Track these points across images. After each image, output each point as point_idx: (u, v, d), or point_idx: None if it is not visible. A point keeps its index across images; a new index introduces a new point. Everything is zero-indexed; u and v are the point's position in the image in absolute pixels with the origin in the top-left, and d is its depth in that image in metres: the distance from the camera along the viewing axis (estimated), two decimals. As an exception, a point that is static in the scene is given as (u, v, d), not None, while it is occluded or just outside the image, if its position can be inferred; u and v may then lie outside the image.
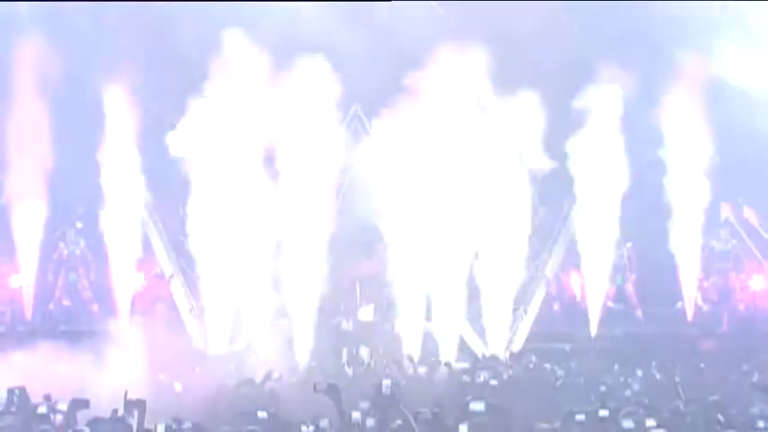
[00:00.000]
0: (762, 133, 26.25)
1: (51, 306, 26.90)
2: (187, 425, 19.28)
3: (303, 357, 24.89)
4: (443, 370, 24.58)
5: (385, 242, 26.00)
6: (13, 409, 20.15)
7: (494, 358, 24.85)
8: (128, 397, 19.49)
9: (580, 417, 16.81)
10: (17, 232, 26.47)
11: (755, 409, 18.50)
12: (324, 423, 18.43)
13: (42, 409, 19.97)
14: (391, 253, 25.78)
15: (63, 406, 20.26)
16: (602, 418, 17.03)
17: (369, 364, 24.56)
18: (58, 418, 19.94)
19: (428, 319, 25.68)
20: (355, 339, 25.58)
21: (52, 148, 26.46)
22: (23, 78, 26.86)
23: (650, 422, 16.10)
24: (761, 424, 17.04)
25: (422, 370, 24.53)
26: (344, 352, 24.98)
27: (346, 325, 26.02)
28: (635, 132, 26.40)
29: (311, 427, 18.01)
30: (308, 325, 25.39)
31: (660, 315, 27.06)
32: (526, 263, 26.51)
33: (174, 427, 19.24)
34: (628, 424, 16.48)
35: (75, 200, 27.43)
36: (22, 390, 20.56)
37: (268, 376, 23.07)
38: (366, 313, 26.25)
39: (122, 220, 26.40)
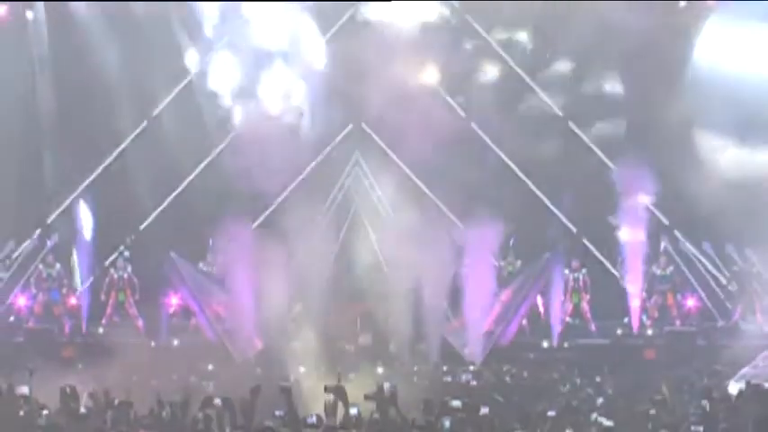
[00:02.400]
0: (697, 170, 26.47)
1: (103, 321, 26.84)
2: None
3: (313, 368, 24.77)
4: (430, 374, 24.56)
5: (384, 284, 26.06)
6: (67, 409, 19.96)
7: (473, 363, 24.85)
8: (162, 398, 19.46)
9: (551, 413, 16.74)
10: (76, 261, 26.56)
11: (690, 408, 18.43)
12: (331, 419, 18.34)
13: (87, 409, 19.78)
14: (389, 293, 25.81)
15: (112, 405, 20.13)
16: (568, 415, 17.00)
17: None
18: (108, 416, 19.76)
19: (419, 337, 25.65)
20: (356, 357, 25.40)
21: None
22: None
23: (607, 422, 16.08)
24: (692, 419, 17.02)
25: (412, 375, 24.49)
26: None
27: (348, 347, 25.81)
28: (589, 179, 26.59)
29: (315, 418, 17.90)
30: (315, 346, 25.34)
31: (610, 328, 26.94)
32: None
33: (200, 416, 19.19)
34: (591, 419, 16.45)
35: (122, 232, 27.51)
36: (73, 389, 20.44)
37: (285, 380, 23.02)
38: (365, 339, 26.04)
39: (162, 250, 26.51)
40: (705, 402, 18.10)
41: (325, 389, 17.85)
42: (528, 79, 28.03)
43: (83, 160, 27.61)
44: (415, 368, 24.80)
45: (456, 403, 16.74)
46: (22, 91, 27.63)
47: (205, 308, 26.52)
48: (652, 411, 17.48)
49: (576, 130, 27.66)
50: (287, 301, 25.87)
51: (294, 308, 26.08)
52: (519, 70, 28.01)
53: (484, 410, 17.05)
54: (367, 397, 17.19)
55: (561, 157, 27.11)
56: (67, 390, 19.83)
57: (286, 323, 25.63)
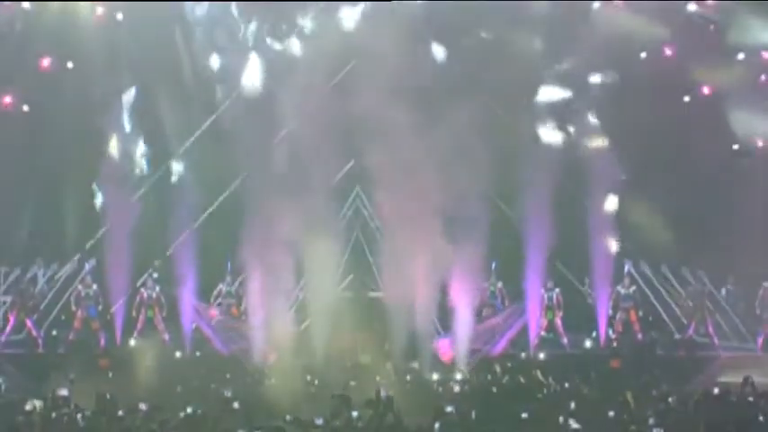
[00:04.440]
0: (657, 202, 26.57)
1: (135, 335, 26.74)
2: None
3: (319, 377, 24.70)
4: (421, 383, 24.53)
5: (382, 306, 25.99)
6: (103, 415, 19.92)
7: (460, 372, 24.84)
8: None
9: (524, 415, 16.77)
10: (110, 282, 26.64)
11: (651, 411, 18.49)
12: (336, 422, 18.38)
13: (124, 413, 19.73)
14: (387, 314, 25.75)
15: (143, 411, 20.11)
16: (540, 417, 17.05)
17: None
18: (139, 420, 19.73)
19: (413, 355, 25.67)
20: (356, 372, 25.27)
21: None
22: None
23: (575, 424, 16.13)
24: (651, 421, 17.09)
25: (406, 383, 24.47)
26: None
27: (350, 364, 25.68)
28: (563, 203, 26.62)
29: (322, 420, 17.93)
30: (321, 360, 25.36)
31: (580, 342, 26.99)
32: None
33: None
34: (560, 419, 16.49)
35: (151, 256, 27.54)
36: (111, 398, 20.42)
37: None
38: (365, 358, 25.92)
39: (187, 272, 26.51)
40: (663, 406, 18.18)
41: (332, 397, 18.02)
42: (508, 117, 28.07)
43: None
44: (408, 377, 24.75)
45: (449, 409, 16.82)
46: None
47: (219, 333, 26.53)
48: (611, 413, 17.54)
49: (553, 164, 27.67)
50: (296, 319, 25.93)
51: (302, 325, 26.13)
52: (499, 110, 28.03)
53: (470, 413, 17.12)
54: (367, 403, 17.28)
55: (538, 189, 27.05)
56: (106, 396, 19.97)
57: (295, 338, 25.64)
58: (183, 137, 28.03)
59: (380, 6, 26.70)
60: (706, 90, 28.00)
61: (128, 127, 27.56)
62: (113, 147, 27.29)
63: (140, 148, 27.67)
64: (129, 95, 27.43)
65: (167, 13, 27.16)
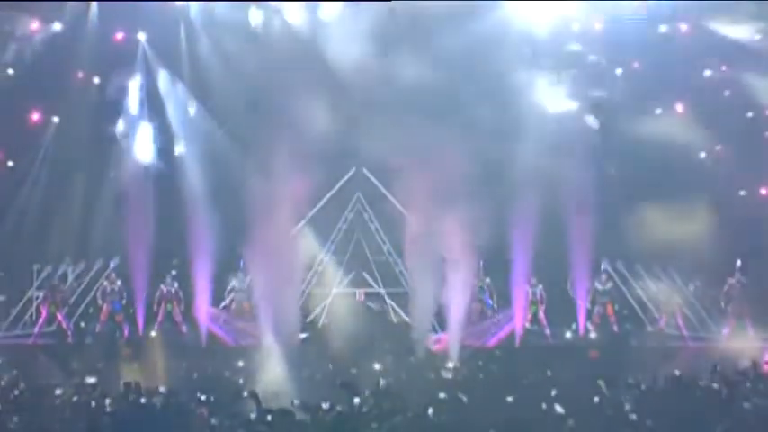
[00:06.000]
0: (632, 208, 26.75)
1: (155, 327, 27.01)
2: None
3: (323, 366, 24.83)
4: (417, 371, 24.69)
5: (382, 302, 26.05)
6: (128, 399, 20.03)
7: (452, 361, 25.05)
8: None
9: (510, 399, 16.91)
10: (134, 279, 26.86)
11: (626, 397, 18.62)
12: (339, 406, 18.51)
13: (146, 398, 19.83)
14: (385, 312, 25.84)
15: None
16: (528, 403, 17.15)
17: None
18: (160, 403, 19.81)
19: (411, 351, 25.79)
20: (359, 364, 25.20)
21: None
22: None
23: (559, 408, 16.27)
24: (627, 407, 17.23)
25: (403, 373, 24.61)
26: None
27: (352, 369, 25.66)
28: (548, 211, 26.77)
29: (328, 405, 18.06)
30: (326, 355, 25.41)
31: (561, 333, 27.26)
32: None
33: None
34: (543, 406, 16.62)
35: (170, 254, 27.70)
36: (137, 384, 20.56)
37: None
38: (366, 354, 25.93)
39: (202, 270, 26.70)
40: (637, 393, 18.34)
41: (337, 382, 18.18)
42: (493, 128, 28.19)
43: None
44: (405, 368, 24.88)
45: (442, 395, 16.97)
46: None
47: (229, 331, 26.69)
48: (596, 399, 17.67)
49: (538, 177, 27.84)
50: (301, 314, 26.10)
51: (308, 318, 26.30)
52: (486, 121, 28.17)
53: (461, 398, 17.23)
54: (369, 391, 17.43)
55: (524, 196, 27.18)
56: (130, 382, 20.15)
57: (300, 332, 25.82)
58: (201, 139, 28.18)
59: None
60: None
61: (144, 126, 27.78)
62: (131, 150, 27.50)
63: (157, 149, 27.91)
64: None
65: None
